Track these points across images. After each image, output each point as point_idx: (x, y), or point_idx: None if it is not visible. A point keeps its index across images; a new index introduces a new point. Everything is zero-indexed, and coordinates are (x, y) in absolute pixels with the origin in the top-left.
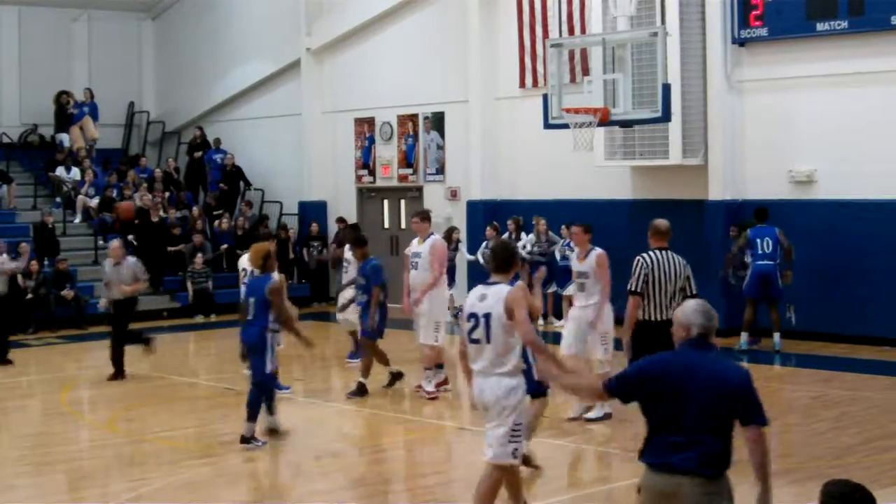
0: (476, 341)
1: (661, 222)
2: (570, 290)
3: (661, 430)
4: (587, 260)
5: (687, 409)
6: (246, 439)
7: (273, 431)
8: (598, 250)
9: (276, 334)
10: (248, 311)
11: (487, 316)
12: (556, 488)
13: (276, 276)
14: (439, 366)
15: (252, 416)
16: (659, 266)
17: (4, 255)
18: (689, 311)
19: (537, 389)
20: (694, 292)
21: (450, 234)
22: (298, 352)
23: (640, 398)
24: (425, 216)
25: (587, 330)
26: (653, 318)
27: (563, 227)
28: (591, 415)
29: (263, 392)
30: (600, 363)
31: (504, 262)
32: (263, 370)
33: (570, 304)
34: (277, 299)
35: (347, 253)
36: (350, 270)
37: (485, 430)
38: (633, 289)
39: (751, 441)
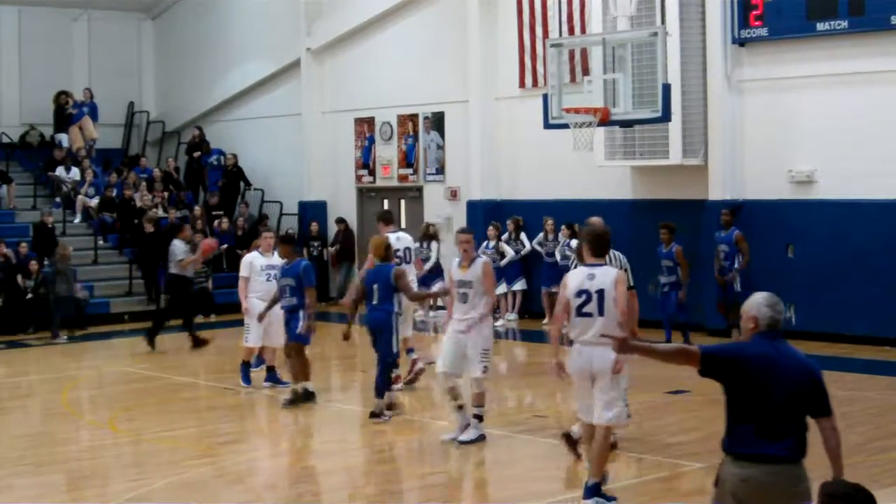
0: (588, 315)
1: (596, 221)
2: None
3: (753, 420)
4: (471, 269)
5: (779, 399)
6: (375, 414)
7: (392, 406)
8: (484, 258)
9: (400, 317)
10: (372, 296)
11: (601, 292)
12: (557, 488)
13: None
14: (408, 350)
15: (380, 394)
16: None
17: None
18: (757, 304)
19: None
20: (631, 285)
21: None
22: None
23: (725, 380)
24: (378, 217)
25: (465, 345)
26: None
27: (562, 226)
28: (464, 437)
29: (391, 370)
30: (476, 381)
31: (603, 246)
32: (390, 350)
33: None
34: (404, 283)
35: (263, 258)
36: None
37: (579, 395)
38: None
39: (829, 429)
